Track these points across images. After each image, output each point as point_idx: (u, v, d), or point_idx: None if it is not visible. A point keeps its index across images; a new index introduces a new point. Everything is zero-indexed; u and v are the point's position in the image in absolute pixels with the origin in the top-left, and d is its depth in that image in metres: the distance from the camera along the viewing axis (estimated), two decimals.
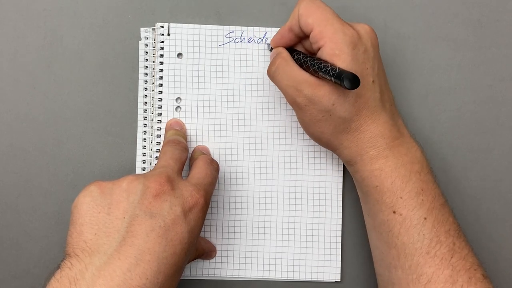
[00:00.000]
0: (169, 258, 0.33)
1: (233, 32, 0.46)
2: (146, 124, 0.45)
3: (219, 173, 0.43)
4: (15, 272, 0.45)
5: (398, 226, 0.38)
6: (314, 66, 0.38)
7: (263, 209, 0.45)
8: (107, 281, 0.31)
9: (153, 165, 0.45)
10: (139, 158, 0.45)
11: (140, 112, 0.45)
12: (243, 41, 0.46)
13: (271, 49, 0.45)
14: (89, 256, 0.32)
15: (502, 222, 0.46)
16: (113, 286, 0.30)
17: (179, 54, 0.45)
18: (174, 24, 0.45)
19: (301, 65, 0.39)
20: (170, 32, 0.45)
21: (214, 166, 0.41)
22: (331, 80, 0.36)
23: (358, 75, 0.36)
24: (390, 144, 0.39)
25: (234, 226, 0.45)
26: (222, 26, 0.45)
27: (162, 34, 0.45)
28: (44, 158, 0.45)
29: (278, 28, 0.46)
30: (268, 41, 0.46)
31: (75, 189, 0.45)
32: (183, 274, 0.45)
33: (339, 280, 0.46)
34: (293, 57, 0.41)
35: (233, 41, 0.46)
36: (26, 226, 0.45)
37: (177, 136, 0.43)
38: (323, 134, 0.40)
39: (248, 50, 0.46)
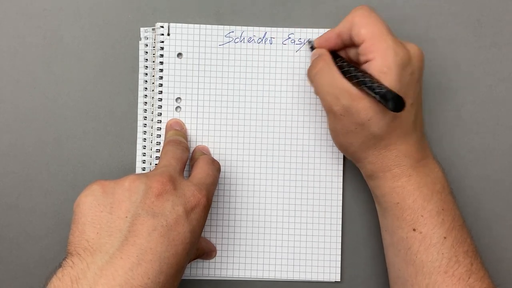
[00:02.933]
0: (171, 257, 0.33)
1: (233, 32, 0.46)
2: (146, 124, 0.46)
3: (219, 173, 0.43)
4: (15, 272, 0.45)
5: (418, 244, 0.38)
6: (359, 78, 0.37)
7: (263, 209, 0.46)
8: (109, 280, 0.31)
9: (153, 165, 0.45)
10: (139, 158, 0.45)
11: (140, 112, 0.46)
12: (243, 41, 0.46)
13: (311, 48, 0.45)
14: (91, 255, 0.32)
15: (502, 222, 0.47)
16: (115, 286, 0.31)
17: (179, 54, 0.46)
18: (174, 24, 0.45)
19: (343, 73, 0.39)
20: (170, 32, 0.45)
21: (216, 166, 0.41)
22: (375, 97, 0.36)
23: (399, 92, 0.36)
24: (414, 165, 0.39)
25: (234, 226, 0.46)
26: (222, 26, 0.46)
27: (162, 34, 0.45)
28: (44, 158, 0.45)
29: (279, 28, 0.46)
30: (309, 39, 0.46)
31: (75, 189, 0.45)
32: (183, 274, 0.45)
33: (339, 280, 0.46)
34: (336, 63, 0.40)
35: (233, 41, 0.46)
36: (26, 226, 0.45)
37: (177, 136, 0.43)
38: (351, 145, 0.40)
39: (248, 50, 0.46)
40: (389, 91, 0.35)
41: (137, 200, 0.34)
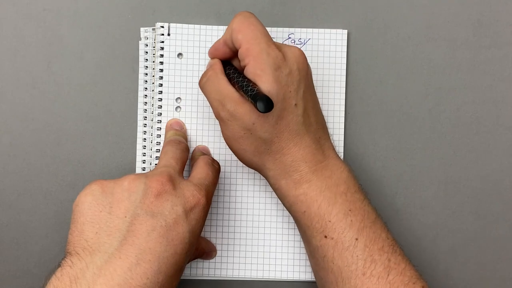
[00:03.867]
0: (170, 257, 0.33)
1: None
2: (146, 124, 0.46)
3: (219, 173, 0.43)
4: (15, 272, 0.45)
5: (331, 251, 0.37)
6: (239, 83, 0.38)
7: (263, 209, 0.46)
8: (107, 280, 0.31)
9: (153, 165, 0.45)
10: (139, 158, 0.46)
11: (140, 112, 0.46)
12: None
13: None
14: (90, 255, 0.32)
15: (502, 222, 0.47)
16: (114, 285, 0.31)
17: (179, 54, 0.46)
18: (174, 24, 0.46)
19: (230, 80, 0.39)
20: (170, 32, 0.45)
21: (215, 166, 0.41)
22: (248, 99, 0.36)
23: (280, 97, 0.36)
24: (313, 168, 0.38)
25: (234, 226, 0.46)
26: (222, 26, 0.46)
27: (162, 34, 0.45)
28: (44, 158, 0.45)
29: (279, 28, 0.46)
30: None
31: (75, 189, 0.45)
32: (183, 274, 0.45)
33: None
34: (225, 71, 0.41)
35: None
36: (26, 226, 0.45)
37: (177, 136, 0.43)
38: (245, 152, 0.39)
39: None
40: (258, 92, 0.35)
41: (136, 200, 0.34)
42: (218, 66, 0.41)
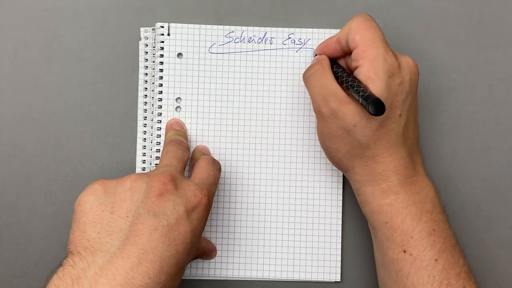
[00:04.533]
0: (171, 257, 0.33)
1: (233, 32, 0.46)
2: (146, 124, 0.46)
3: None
4: (15, 272, 0.45)
5: (408, 266, 0.37)
6: (348, 82, 0.38)
7: (263, 209, 0.46)
8: (109, 280, 0.31)
9: (153, 165, 0.45)
10: (139, 158, 0.46)
11: (140, 112, 0.46)
12: (243, 41, 0.46)
13: (315, 55, 0.45)
14: (91, 254, 0.32)
15: (502, 222, 0.47)
16: (116, 285, 0.31)
17: (179, 54, 0.46)
18: (174, 24, 0.46)
19: (337, 78, 0.40)
20: (170, 32, 0.46)
21: (216, 166, 0.41)
22: (358, 100, 0.36)
23: (387, 104, 0.36)
24: (402, 181, 0.39)
25: (234, 226, 0.46)
26: (222, 26, 0.46)
27: (162, 34, 0.45)
28: (44, 158, 0.45)
29: (279, 28, 0.46)
30: (311, 47, 0.46)
31: (75, 189, 0.45)
32: (183, 274, 0.45)
33: (339, 280, 0.46)
34: (332, 69, 0.41)
35: (233, 41, 0.46)
36: (26, 226, 0.45)
37: (178, 136, 0.43)
38: (337, 151, 0.40)
39: (248, 50, 0.46)
40: (371, 94, 0.35)
41: (139, 200, 0.34)
42: (326, 62, 0.41)
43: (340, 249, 0.46)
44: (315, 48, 0.46)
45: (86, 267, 0.32)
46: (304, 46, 0.46)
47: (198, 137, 0.46)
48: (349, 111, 0.37)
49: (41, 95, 0.46)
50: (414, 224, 0.38)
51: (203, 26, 0.46)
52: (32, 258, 0.45)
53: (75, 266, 0.32)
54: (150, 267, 0.32)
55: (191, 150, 0.46)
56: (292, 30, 0.46)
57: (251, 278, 0.46)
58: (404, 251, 0.38)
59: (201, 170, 0.40)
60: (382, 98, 0.36)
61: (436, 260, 0.37)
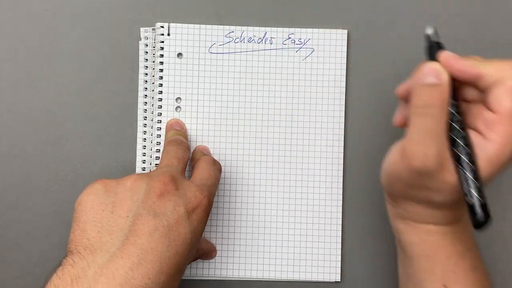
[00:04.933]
0: (171, 258, 0.33)
1: (233, 32, 0.46)
2: (146, 124, 0.46)
3: None
4: (15, 272, 0.45)
5: None
6: (457, 156, 0.31)
7: (263, 209, 0.46)
8: (109, 279, 0.31)
9: (153, 165, 0.45)
10: (139, 158, 0.46)
11: (140, 112, 0.46)
12: (243, 41, 0.46)
13: (430, 45, 0.34)
14: (91, 254, 0.32)
15: (502, 222, 0.47)
16: (115, 285, 0.31)
17: (179, 54, 0.46)
18: (174, 24, 0.46)
19: (448, 126, 0.32)
20: (170, 32, 0.46)
21: (217, 167, 0.41)
22: (464, 199, 0.31)
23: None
24: (451, 222, 0.36)
25: (234, 226, 0.46)
26: (222, 26, 0.46)
27: (162, 34, 0.45)
28: (44, 158, 0.46)
29: (279, 28, 0.46)
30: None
31: (75, 189, 0.45)
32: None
33: (339, 280, 0.46)
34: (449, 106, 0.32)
35: (233, 41, 0.46)
36: (26, 226, 0.45)
37: (178, 136, 0.43)
38: (395, 184, 0.36)
39: (248, 50, 0.46)
40: (484, 207, 0.30)
41: (139, 200, 0.34)
42: (447, 95, 0.32)
43: (340, 249, 0.46)
44: (432, 32, 0.34)
45: (86, 267, 0.32)
46: (304, 46, 0.46)
47: (198, 137, 0.46)
48: (448, 180, 0.32)
49: (41, 95, 0.46)
50: (459, 261, 0.36)
51: (203, 26, 0.46)
52: (32, 258, 0.45)
53: (75, 265, 0.32)
54: (150, 268, 0.32)
55: (192, 150, 0.46)
56: (292, 30, 0.46)
57: (251, 278, 0.46)
58: (445, 286, 0.36)
59: (202, 171, 0.40)
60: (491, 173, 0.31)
61: None
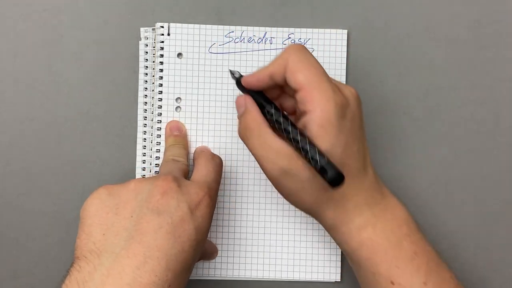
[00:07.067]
0: (177, 255, 0.33)
1: (233, 32, 0.46)
2: (146, 124, 0.46)
3: None
4: (15, 272, 0.45)
5: None
6: (294, 141, 0.35)
7: (263, 209, 0.46)
8: (116, 280, 0.31)
9: (153, 165, 0.45)
10: (139, 158, 0.46)
11: (140, 112, 0.46)
12: (243, 41, 0.46)
13: (236, 81, 0.40)
14: (97, 257, 0.32)
15: (502, 222, 0.47)
16: (123, 285, 0.31)
17: (179, 54, 0.46)
18: (174, 24, 0.46)
19: (274, 125, 0.37)
20: (170, 32, 0.46)
21: (216, 161, 0.42)
22: (313, 167, 0.34)
23: (342, 147, 0.35)
24: (375, 211, 0.38)
25: (234, 226, 0.46)
26: (222, 26, 0.46)
27: (162, 34, 0.46)
28: (44, 158, 0.46)
29: (279, 28, 0.46)
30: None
31: (75, 189, 0.46)
32: None
33: (339, 280, 0.46)
34: (265, 114, 0.37)
35: (233, 41, 0.46)
36: (26, 226, 0.46)
37: (177, 151, 0.43)
38: (304, 203, 0.38)
39: (248, 50, 0.46)
40: (327, 164, 0.33)
41: (142, 199, 0.35)
42: (255, 112, 0.38)
43: (340, 249, 0.46)
44: (231, 71, 0.41)
45: (93, 270, 0.32)
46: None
47: (198, 137, 0.46)
48: (302, 164, 0.35)
49: (41, 95, 0.46)
50: (397, 253, 0.37)
51: (203, 26, 0.46)
52: (32, 258, 0.46)
53: (81, 270, 0.32)
54: (157, 265, 0.32)
55: (192, 150, 0.46)
56: (292, 30, 0.46)
57: (251, 278, 0.46)
58: (392, 283, 0.37)
59: (201, 168, 0.40)
60: (337, 144, 0.35)
61: (424, 283, 0.36)
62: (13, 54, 0.46)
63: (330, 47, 0.47)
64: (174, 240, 0.33)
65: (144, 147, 0.46)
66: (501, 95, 0.47)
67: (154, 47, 0.46)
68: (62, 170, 0.46)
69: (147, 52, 0.46)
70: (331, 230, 0.39)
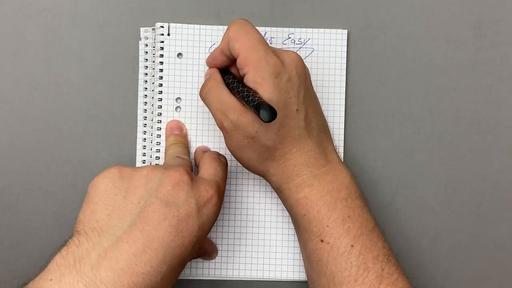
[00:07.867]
0: (176, 248, 0.34)
1: None
2: (146, 124, 0.46)
3: None
4: (15, 272, 0.45)
5: (326, 255, 0.38)
6: (240, 93, 0.38)
7: (263, 209, 0.46)
8: (112, 263, 0.31)
9: (153, 165, 0.45)
10: (139, 158, 0.46)
11: (140, 112, 0.46)
12: None
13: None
14: (98, 236, 0.33)
15: (502, 222, 0.47)
16: (117, 269, 0.31)
17: (179, 54, 0.46)
18: (174, 24, 0.46)
19: (231, 90, 0.40)
20: (170, 32, 0.46)
21: (222, 161, 0.42)
22: (251, 109, 0.37)
23: (281, 104, 0.37)
24: (315, 172, 0.39)
25: (234, 226, 0.46)
26: (222, 26, 0.46)
27: (162, 34, 0.46)
28: (44, 158, 0.46)
29: (279, 28, 0.46)
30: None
31: (75, 189, 0.46)
32: (183, 274, 0.45)
33: None
34: (225, 80, 0.41)
35: None
36: (26, 226, 0.46)
37: (179, 149, 0.44)
38: (249, 160, 0.40)
39: None
40: (260, 102, 0.35)
41: (152, 188, 0.35)
42: (218, 76, 0.42)
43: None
44: (207, 63, 0.45)
45: (91, 248, 0.32)
46: (304, 46, 0.47)
47: (198, 137, 0.46)
48: (248, 119, 0.38)
49: (41, 95, 0.46)
50: (329, 213, 0.39)
51: (203, 26, 0.46)
52: (32, 258, 0.46)
53: (80, 245, 0.32)
54: (154, 256, 0.32)
55: (192, 150, 0.46)
56: (292, 30, 0.47)
57: (251, 278, 0.46)
58: (322, 241, 0.38)
59: (208, 167, 0.40)
60: (274, 99, 0.37)
61: (352, 246, 0.38)
62: (13, 54, 0.46)
63: (330, 47, 0.47)
64: (175, 234, 0.34)
65: (144, 147, 0.46)
66: (501, 95, 0.48)
67: (154, 47, 0.46)
68: (62, 170, 0.46)
69: (147, 52, 0.46)
70: (277, 190, 0.41)
